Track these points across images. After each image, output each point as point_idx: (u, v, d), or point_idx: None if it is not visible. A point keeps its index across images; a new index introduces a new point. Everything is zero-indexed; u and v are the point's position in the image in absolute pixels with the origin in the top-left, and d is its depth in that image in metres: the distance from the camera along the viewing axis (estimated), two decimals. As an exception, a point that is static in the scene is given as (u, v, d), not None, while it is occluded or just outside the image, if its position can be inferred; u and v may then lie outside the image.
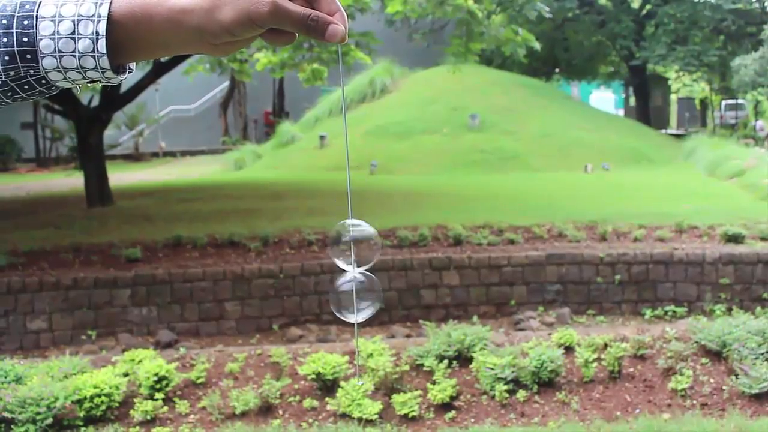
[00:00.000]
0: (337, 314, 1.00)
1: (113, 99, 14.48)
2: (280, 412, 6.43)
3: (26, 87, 0.94)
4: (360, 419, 6.21)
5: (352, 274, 0.98)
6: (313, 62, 14.88)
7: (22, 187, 20.14)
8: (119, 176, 19.58)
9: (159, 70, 14.50)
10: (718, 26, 30.51)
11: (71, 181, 19.81)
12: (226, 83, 32.75)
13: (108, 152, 22.52)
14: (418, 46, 25.44)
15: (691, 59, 29.66)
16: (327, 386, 6.56)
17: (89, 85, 0.96)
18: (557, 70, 36.33)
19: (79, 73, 0.91)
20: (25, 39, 0.89)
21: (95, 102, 16.08)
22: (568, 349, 6.86)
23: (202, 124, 34.46)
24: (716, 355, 6.77)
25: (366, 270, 0.98)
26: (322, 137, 22.74)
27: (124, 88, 14.56)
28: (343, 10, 0.92)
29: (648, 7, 32.40)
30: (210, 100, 35.82)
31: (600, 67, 37.24)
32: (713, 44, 30.82)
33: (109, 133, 20.08)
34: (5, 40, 0.89)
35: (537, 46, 16.15)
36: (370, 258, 0.98)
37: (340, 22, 0.91)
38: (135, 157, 30.99)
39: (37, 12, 0.89)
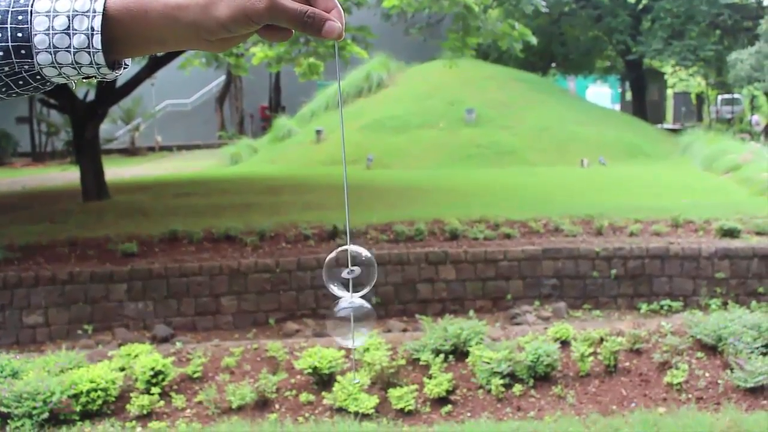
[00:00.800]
0: (335, 339, 1.00)
1: (109, 93, 14.45)
2: (277, 406, 6.43)
3: (21, 82, 0.93)
4: (356, 413, 6.22)
5: (348, 299, 0.97)
6: (310, 56, 14.88)
7: (17, 182, 20.11)
8: (115, 171, 19.57)
9: (155, 64, 14.47)
10: (714, 21, 30.52)
11: (67, 175, 19.78)
12: (222, 77, 32.70)
13: (104, 147, 22.51)
14: (415, 40, 25.41)
15: (687, 54, 29.67)
16: (323, 380, 6.57)
17: (84, 80, 0.96)
18: (554, 64, 36.31)
19: (74, 68, 0.91)
20: (20, 34, 0.88)
21: (91, 96, 16.05)
22: (564, 344, 6.87)
23: (198, 119, 34.42)
24: (712, 349, 6.79)
25: (362, 296, 0.98)
26: (318, 132, 22.72)
27: (120, 83, 14.53)
28: (339, 6, 0.92)
29: (644, 1, 32.39)
30: (206, 94, 35.78)
31: (596, 62, 37.22)
32: (709, 39, 30.83)
33: (105, 128, 20.04)
34: None
35: (533, 40, 16.16)
36: (366, 284, 0.98)
37: (336, 19, 0.91)
38: (131, 151, 30.96)
39: (32, 7, 0.89)
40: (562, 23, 32.32)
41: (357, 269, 0.97)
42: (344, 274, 0.97)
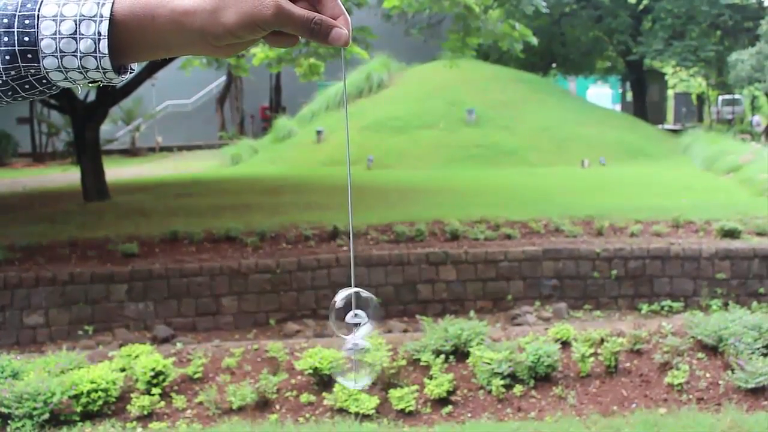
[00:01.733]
0: (338, 378, 1.02)
1: (110, 94, 14.46)
2: (277, 406, 6.44)
3: (27, 86, 0.94)
4: (357, 414, 6.22)
5: (352, 341, 0.99)
6: (310, 57, 14.89)
7: (18, 182, 20.10)
8: (116, 171, 19.57)
9: (156, 64, 14.46)
10: (715, 21, 30.53)
11: (68, 176, 19.78)
12: (223, 78, 32.71)
13: (104, 147, 22.51)
14: (415, 40, 25.42)
15: (688, 54, 29.68)
16: (324, 381, 6.57)
17: (90, 84, 0.96)
18: (554, 65, 36.32)
19: (81, 73, 0.91)
20: (27, 38, 0.89)
21: (92, 97, 16.06)
22: (565, 344, 6.87)
23: (198, 119, 34.41)
24: (712, 349, 6.79)
25: (365, 337, 0.99)
26: (318, 132, 22.74)
27: (120, 83, 14.54)
28: (346, 13, 0.92)
29: (645, 2, 32.40)
30: (207, 95, 35.78)
31: (597, 62, 37.25)
32: (710, 39, 30.84)
33: (105, 128, 20.06)
34: (6, 39, 0.89)
35: (534, 41, 16.17)
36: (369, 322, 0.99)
37: (343, 26, 0.91)
38: (131, 152, 30.95)
39: (39, 11, 0.89)
40: (563, 24, 32.33)
41: (362, 315, 0.98)
42: (348, 318, 0.98)
